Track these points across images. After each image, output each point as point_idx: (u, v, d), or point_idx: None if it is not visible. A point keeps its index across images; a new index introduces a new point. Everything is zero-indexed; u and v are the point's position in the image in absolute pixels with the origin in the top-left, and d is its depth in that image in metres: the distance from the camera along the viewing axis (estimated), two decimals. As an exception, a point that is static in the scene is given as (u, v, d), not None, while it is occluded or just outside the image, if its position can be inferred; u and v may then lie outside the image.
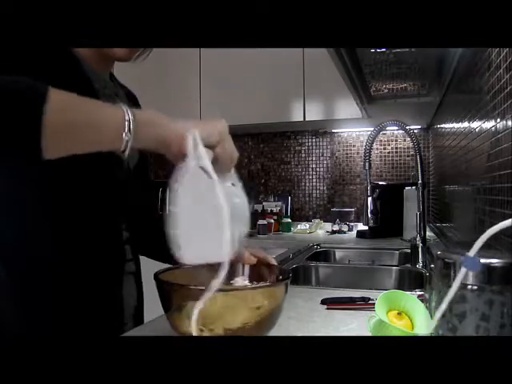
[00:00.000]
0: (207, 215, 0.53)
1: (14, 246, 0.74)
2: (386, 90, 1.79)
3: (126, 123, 0.52)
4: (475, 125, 1.16)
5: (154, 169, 3.00)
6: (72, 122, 0.51)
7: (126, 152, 0.53)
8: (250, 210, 0.64)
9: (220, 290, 0.63)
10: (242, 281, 0.72)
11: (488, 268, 0.51)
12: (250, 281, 0.73)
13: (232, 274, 0.73)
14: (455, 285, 0.50)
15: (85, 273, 0.76)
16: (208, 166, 0.53)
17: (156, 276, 0.66)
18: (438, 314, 0.52)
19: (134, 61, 0.84)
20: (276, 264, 0.79)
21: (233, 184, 0.64)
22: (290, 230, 2.68)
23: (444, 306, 0.51)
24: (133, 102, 0.96)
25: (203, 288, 0.63)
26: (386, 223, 1.68)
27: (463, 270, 0.50)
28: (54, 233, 0.75)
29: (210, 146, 0.57)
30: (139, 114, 0.55)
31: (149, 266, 0.89)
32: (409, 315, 0.67)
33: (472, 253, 0.49)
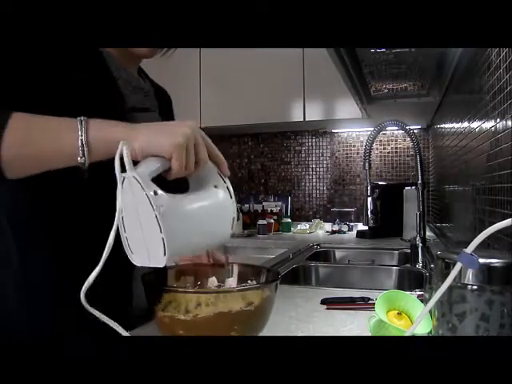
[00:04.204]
0: (147, 222, 0.55)
1: (22, 244, 0.74)
2: (386, 90, 1.79)
3: (80, 149, 0.58)
4: (475, 125, 1.16)
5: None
6: (26, 155, 0.60)
7: (86, 166, 0.60)
8: (235, 210, 0.64)
9: (209, 292, 0.64)
10: (230, 282, 0.72)
11: (488, 268, 0.51)
12: (240, 282, 0.73)
13: (222, 276, 0.74)
14: (449, 279, 0.50)
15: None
16: (139, 179, 0.55)
17: (143, 278, 0.66)
18: (429, 305, 0.52)
19: (160, 57, 0.86)
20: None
21: (215, 186, 0.64)
22: (289, 230, 2.68)
23: (436, 298, 0.51)
24: (161, 97, 0.97)
25: (187, 290, 0.65)
26: (386, 223, 1.68)
27: (459, 265, 0.50)
28: (61, 229, 0.75)
29: (162, 156, 0.58)
30: (94, 133, 0.59)
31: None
32: (409, 315, 0.67)
33: (469, 250, 0.49)
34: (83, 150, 0.59)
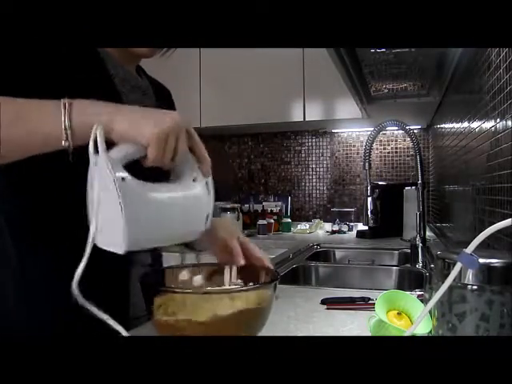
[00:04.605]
0: (113, 205, 0.54)
1: (18, 241, 0.74)
2: (386, 90, 1.79)
3: (64, 133, 0.58)
4: (475, 125, 1.16)
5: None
6: (10, 139, 0.59)
7: (71, 149, 0.59)
8: (211, 207, 0.63)
9: (208, 292, 0.63)
10: (229, 282, 0.72)
11: (488, 268, 0.51)
12: (242, 282, 0.73)
13: (221, 274, 0.73)
14: (449, 279, 0.50)
15: (89, 271, 0.76)
16: (107, 160, 0.54)
17: (141, 278, 0.66)
18: (429, 305, 0.52)
19: (160, 57, 0.86)
20: (270, 267, 0.77)
21: (194, 180, 0.62)
22: (289, 230, 2.68)
23: (436, 298, 0.51)
24: (160, 93, 0.96)
25: (186, 290, 0.64)
26: (386, 223, 1.68)
27: (459, 265, 0.50)
28: (55, 226, 0.75)
29: (141, 144, 0.57)
30: (77, 117, 0.58)
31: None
32: (409, 315, 0.67)
33: (469, 250, 0.49)
34: (67, 134, 0.58)
